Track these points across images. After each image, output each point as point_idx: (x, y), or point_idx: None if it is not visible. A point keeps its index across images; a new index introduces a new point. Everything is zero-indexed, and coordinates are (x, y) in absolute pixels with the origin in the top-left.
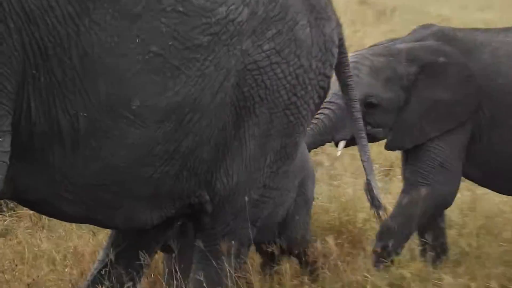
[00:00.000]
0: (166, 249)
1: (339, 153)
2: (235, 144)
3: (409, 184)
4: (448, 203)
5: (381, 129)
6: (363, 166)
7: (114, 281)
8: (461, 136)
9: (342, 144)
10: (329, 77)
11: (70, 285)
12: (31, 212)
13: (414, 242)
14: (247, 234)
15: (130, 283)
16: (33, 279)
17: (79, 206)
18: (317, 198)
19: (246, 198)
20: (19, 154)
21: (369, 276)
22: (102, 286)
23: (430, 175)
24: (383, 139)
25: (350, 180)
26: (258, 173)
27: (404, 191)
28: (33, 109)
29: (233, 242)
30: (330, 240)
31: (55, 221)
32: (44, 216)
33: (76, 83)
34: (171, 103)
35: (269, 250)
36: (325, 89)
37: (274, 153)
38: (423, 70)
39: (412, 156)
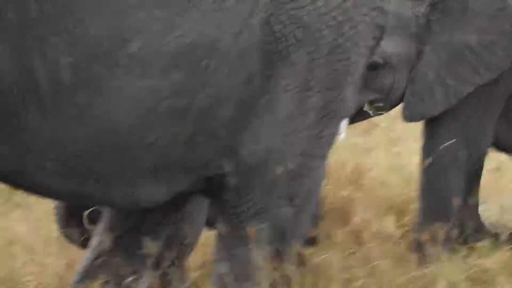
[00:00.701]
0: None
1: (341, 136)
2: (264, 99)
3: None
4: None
5: (392, 95)
6: None
7: (111, 275)
8: (497, 91)
9: (343, 124)
10: (386, 12)
11: (55, 280)
12: (1, 186)
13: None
14: (282, 214)
15: (132, 277)
16: (6, 273)
17: (65, 179)
18: (372, 170)
19: (281, 169)
20: None
21: (441, 268)
22: (96, 281)
23: (453, 148)
24: (395, 106)
25: (414, 145)
26: (296, 137)
27: (425, 172)
28: (1, 54)
29: (264, 225)
30: (390, 222)
31: (33, 198)
32: (19, 192)
33: (56, 20)
34: (180, 46)
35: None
36: (382, 28)
37: (315, 110)
38: (435, 7)
39: (428, 124)
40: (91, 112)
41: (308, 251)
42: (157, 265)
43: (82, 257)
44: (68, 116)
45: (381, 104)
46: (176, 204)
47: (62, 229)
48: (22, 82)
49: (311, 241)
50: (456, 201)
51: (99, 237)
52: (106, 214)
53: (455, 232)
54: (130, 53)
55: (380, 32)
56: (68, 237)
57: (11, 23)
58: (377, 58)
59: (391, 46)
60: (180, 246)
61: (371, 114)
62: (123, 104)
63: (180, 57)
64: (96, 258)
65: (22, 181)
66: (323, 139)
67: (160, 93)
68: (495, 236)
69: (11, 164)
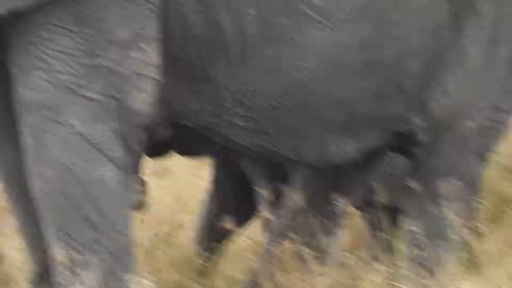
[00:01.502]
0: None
1: None
2: (454, 52)
3: None
4: None
5: None
6: None
7: (303, 234)
8: None
9: None
10: None
11: (246, 239)
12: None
13: None
14: (474, 170)
15: (324, 236)
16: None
17: (254, 134)
18: None
19: (470, 124)
20: (172, 68)
21: None
22: (287, 240)
23: None
24: None
25: None
26: (485, 90)
27: None
28: (188, 9)
29: (456, 181)
30: None
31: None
32: None
33: None
34: None
35: None
36: None
37: (505, 63)
38: None
39: None
40: (278, 65)
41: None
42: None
43: (273, 218)
44: (255, 70)
45: None
46: (367, 161)
47: None
48: (211, 36)
49: None
50: None
51: (291, 197)
52: (298, 173)
53: None
54: (316, 5)
55: None
56: None
57: None
58: None
59: None
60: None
61: None
62: (310, 57)
63: (367, 9)
64: (288, 218)
65: (213, 136)
66: None
67: (348, 46)
68: None
69: (202, 120)
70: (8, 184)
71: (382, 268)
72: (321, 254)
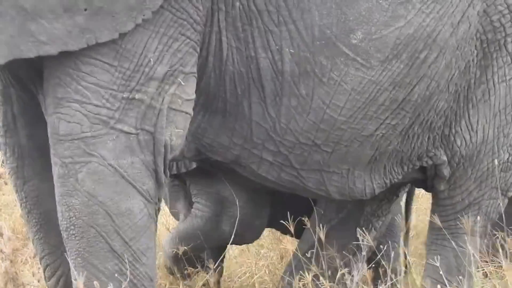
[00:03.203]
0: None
1: None
2: (480, 89)
3: None
4: None
5: None
6: None
7: (323, 267)
8: None
9: None
10: None
11: (267, 271)
12: None
13: None
14: (495, 206)
15: (345, 270)
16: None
17: (281, 169)
18: None
19: (495, 161)
20: (205, 103)
21: None
22: (308, 273)
23: None
24: None
25: None
26: (510, 127)
27: None
28: (225, 45)
29: (478, 217)
30: None
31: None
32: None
33: (280, 12)
34: (402, 37)
35: None
36: None
37: None
38: None
39: None
40: (310, 103)
41: None
42: (370, 257)
43: (294, 249)
44: (288, 107)
45: None
46: (389, 195)
47: None
48: (246, 72)
49: None
50: None
51: (311, 228)
52: (318, 205)
53: None
54: (353, 44)
55: None
56: None
57: (237, 13)
58: None
59: None
60: (394, 238)
61: None
62: (343, 95)
63: (401, 48)
64: (308, 249)
65: (241, 170)
66: None
67: (380, 84)
68: None
69: (231, 154)
70: (31, 213)
71: None
72: (341, 287)
